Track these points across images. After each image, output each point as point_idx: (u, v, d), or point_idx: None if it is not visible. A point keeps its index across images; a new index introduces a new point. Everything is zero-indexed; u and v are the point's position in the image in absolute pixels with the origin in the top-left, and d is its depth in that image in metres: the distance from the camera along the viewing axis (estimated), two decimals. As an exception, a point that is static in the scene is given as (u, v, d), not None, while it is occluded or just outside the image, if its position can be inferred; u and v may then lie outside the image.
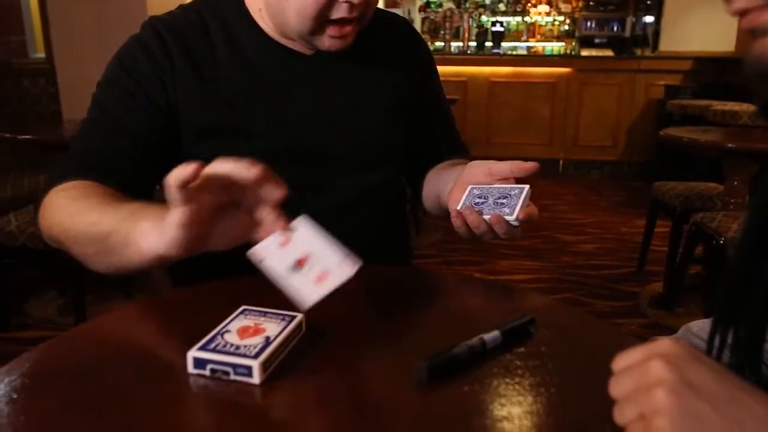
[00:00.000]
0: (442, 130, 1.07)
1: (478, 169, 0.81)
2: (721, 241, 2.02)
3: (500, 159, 0.80)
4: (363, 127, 0.92)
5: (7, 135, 2.41)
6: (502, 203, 0.74)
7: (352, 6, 0.80)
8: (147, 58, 0.83)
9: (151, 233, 0.59)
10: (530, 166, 0.76)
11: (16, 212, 2.27)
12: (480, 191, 0.77)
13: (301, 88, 0.89)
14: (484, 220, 0.73)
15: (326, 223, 0.81)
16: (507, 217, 0.72)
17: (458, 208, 0.75)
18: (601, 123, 5.04)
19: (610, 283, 2.73)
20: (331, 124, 0.90)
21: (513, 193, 0.75)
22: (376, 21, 0.94)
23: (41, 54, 3.52)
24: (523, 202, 0.73)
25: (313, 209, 0.83)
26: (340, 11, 0.80)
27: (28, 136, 2.46)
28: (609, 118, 5.02)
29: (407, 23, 1.05)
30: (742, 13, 0.44)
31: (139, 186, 0.80)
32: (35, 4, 3.41)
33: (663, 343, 0.42)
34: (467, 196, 0.77)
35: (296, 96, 0.88)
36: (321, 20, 0.81)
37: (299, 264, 0.58)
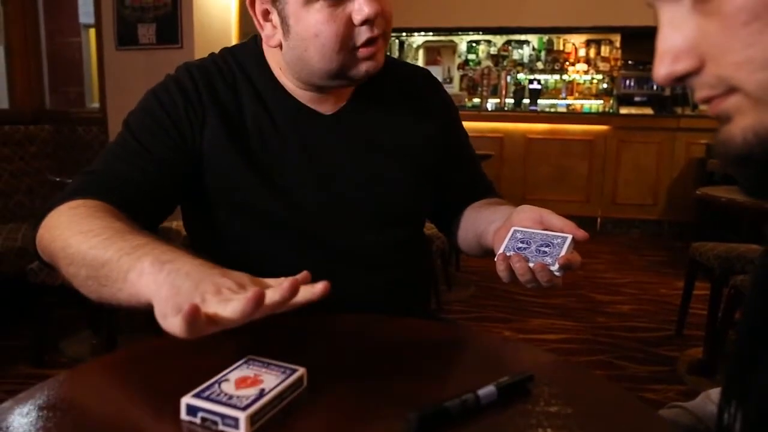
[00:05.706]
0: (473, 175, 1.05)
1: (528, 215, 0.80)
2: (763, 308, 1.92)
3: None
4: (385, 185, 0.91)
5: (57, 179, 2.55)
6: (545, 251, 0.73)
7: (372, 24, 0.79)
8: (182, 97, 0.85)
9: (148, 277, 0.58)
10: (583, 234, 0.75)
11: (58, 253, 2.36)
12: (523, 235, 0.77)
13: (321, 147, 0.89)
14: (529, 267, 0.72)
15: (350, 280, 0.81)
16: (551, 267, 0.72)
17: (504, 252, 0.75)
18: (640, 181, 4.96)
19: (646, 346, 2.62)
20: (353, 183, 0.89)
21: (556, 242, 0.74)
22: (396, 75, 0.95)
23: (97, 104, 3.74)
24: (566, 251, 0.73)
25: (337, 267, 0.83)
26: (362, 34, 0.80)
27: (76, 181, 2.58)
28: (648, 176, 4.94)
29: (427, 74, 1.03)
30: (706, 101, 0.43)
31: (147, 216, 0.80)
32: (95, 57, 3.65)
33: None
34: (510, 239, 0.77)
35: (316, 155, 0.88)
36: (347, 51, 0.80)
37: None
